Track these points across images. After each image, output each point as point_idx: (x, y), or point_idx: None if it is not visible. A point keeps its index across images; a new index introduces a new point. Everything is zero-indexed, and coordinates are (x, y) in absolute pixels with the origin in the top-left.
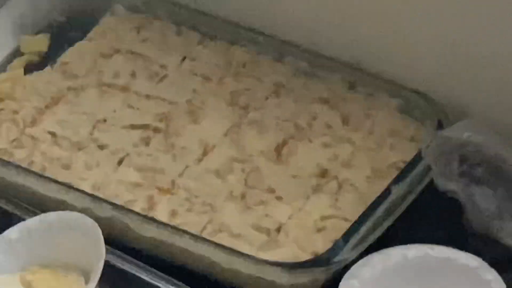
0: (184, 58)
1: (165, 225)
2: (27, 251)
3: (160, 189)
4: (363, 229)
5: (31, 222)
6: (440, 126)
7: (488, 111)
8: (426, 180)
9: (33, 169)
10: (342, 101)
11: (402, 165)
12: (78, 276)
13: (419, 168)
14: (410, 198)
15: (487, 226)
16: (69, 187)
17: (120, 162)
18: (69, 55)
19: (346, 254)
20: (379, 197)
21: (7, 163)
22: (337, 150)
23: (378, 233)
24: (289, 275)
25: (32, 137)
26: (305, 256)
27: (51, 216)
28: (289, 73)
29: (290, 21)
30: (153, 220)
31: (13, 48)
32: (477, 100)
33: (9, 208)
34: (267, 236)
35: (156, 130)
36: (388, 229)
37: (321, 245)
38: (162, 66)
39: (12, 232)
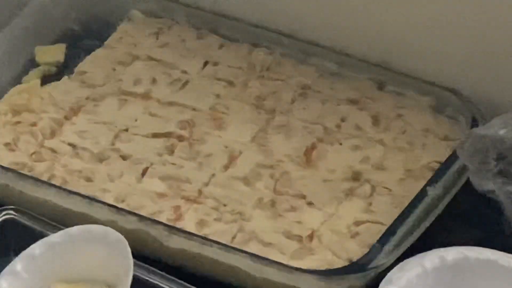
0: (206, 63)
1: (193, 235)
2: (51, 267)
3: (187, 199)
4: (399, 233)
5: (54, 237)
6: (474, 123)
7: None
8: (462, 180)
9: (54, 182)
10: (371, 101)
11: (436, 165)
12: None
13: (454, 168)
14: (447, 199)
15: None
16: (92, 199)
17: (144, 172)
18: (86, 64)
19: (383, 259)
20: (414, 199)
21: (27, 177)
22: (368, 152)
23: (414, 236)
24: (324, 283)
25: (52, 150)
26: (340, 263)
27: (75, 230)
28: (315, 75)
29: (314, 21)
30: (180, 230)
31: (28, 59)
32: None
33: (31, 223)
34: (299, 243)
35: (180, 138)
36: (425, 232)
37: (356, 251)
38: (184, 72)
39: (35, 248)
